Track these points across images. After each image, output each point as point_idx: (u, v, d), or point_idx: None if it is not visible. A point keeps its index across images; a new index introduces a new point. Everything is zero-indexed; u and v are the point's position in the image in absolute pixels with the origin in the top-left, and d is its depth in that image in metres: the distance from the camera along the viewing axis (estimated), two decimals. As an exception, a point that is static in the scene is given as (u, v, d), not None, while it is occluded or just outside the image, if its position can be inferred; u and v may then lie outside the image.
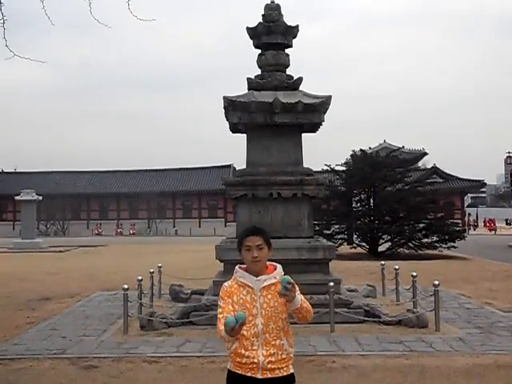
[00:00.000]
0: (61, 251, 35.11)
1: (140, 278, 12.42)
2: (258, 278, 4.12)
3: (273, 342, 4.05)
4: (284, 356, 4.08)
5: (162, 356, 8.81)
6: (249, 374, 4.04)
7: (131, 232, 69.47)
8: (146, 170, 77.45)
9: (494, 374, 7.72)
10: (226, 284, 4.23)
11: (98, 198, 74.40)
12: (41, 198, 40.55)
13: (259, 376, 4.02)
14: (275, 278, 4.13)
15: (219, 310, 4.15)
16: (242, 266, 4.24)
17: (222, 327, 3.93)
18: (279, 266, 4.25)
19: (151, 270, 14.09)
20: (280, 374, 4.05)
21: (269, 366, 4.02)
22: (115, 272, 20.78)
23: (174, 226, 73.39)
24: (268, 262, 4.26)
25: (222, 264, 12.12)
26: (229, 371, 4.18)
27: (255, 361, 4.01)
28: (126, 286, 10.75)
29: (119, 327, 10.86)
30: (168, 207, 75.68)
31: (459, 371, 7.85)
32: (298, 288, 4.03)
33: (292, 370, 4.14)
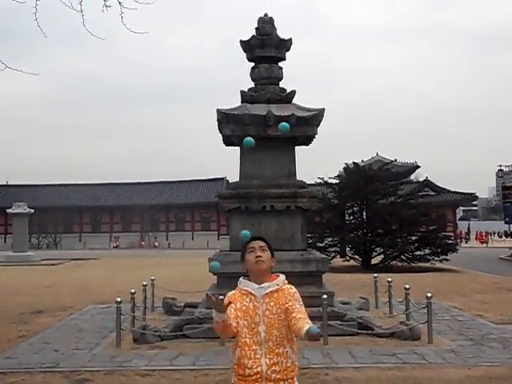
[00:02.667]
0: (53, 264, 34.98)
1: (133, 291, 12.38)
2: (261, 285, 4.14)
3: (276, 350, 4.04)
4: (289, 364, 4.07)
5: (155, 369, 8.79)
6: None
7: (114, 245, 69.37)
8: (139, 183, 77.41)
9: (486, 386, 7.74)
10: (228, 294, 4.23)
11: (90, 210, 74.20)
12: (33, 210, 40.40)
13: None
14: (277, 285, 4.16)
15: None
16: (246, 277, 4.27)
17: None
18: (282, 275, 4.29)
19: (144, 283, 14.06)
20: None
21: (273, 375, 3.99)
22: (108, 285, 20.72)
23: (167, 239, 73.26)
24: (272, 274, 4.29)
25: (216, 277, 12.12)
26: None
27: (259, 370, 3.98)
28: (118, 299, 10.72)
29: (112, 340, 10.82)
30: (161, 220, 75.56)
31: (451, 383, 7.87)
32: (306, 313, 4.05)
33: (297, 382, 4.12)
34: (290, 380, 4.06)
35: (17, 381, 8.30)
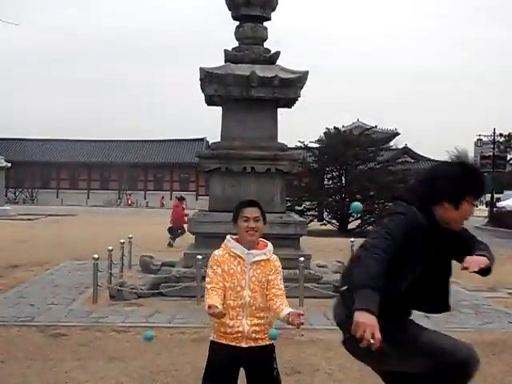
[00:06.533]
0: (30, 219, 34.78)
1: (110, 248, 12.36)
2: (250, 251, 4.17)
3: (258, 315, 4.16)
4: (267, 326, 4.21)
5: (131, 326, 8.82)
6: (233, 344, 4.13)
7: (129, 202, 68.98)
8: (118, 141, 76.69)
9: (457, 350, 7.89)
10: (216, 253, 4.25)
11: (68, 167, 73.51)
12: (10, 165, 39.94)
13: (243, 345, 4.12)
14: (265, 254, 4.22)
15: (207, 280, 4.18)
16: (234, 236, 4.26)
17: (209, 301, 3.99)
18: (270, 244, 4.32)
19: (122, 241, 14.05)
20: (262, 344, 4.18)
21: (253, 335, 4.13)
22: (85, 242, 20.64)
23: (145, 198, 73.07)
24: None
25: (194, 237, 12.14)
26: (212, 342, 4.27)
27: (240, 329, 4.11)
28: (95, 256, 10.70)
29: (88, 296, 10.82)
30: (139, 179, 75.23)
31: (424, 347, 8.01)
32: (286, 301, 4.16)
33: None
34: (267, 338, 4.21)
35: (-8, 334, 8.29)
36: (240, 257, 4.17)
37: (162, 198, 70.93)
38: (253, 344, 4.14)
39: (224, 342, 4.16)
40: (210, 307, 3.88)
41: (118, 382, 6.35)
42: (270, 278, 4.19)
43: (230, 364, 4.19)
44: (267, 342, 4.20)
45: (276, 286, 4.18)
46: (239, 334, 4.11)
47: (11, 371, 6.63)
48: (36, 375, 6.52)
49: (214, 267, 4.18)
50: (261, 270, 4.18)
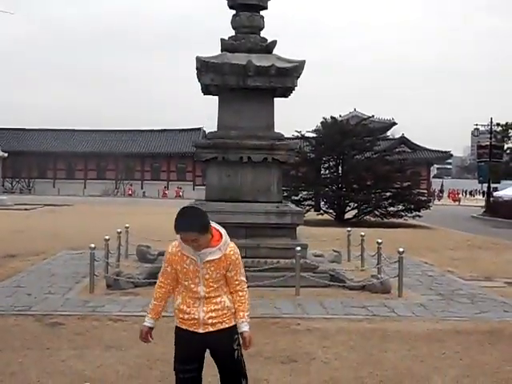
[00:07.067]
0: (26, 209, 34.70)
1: (107, 237, 12.37)
2: (202, 251, 4.12)
3: (214, 300, 4.23)
4: (225, 311, 4.27)
5: (127, 315, 8.82)
6: (191, 329, 4.24)
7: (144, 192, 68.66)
8: (115, 131, 76.45)
9: (453, 339, 7.93)
10: (169, 249, 4.28)
11: (64, 156, 73.22)
12: (6, 154, 39.83)
13: (201, 330, 4.22)
14: (220, 250, 4.14)
15: (160, 272, 4.38)
16: None
17: (155, 295, 4.38)
18: (224, 235, 4.20)
19: (118, 230, 14.05)
20: (222, 327, 4.25)
21: (209, 320, 4.21)
22: (81, 231, 20.66)
23: (142, 188, 72.96)
24: (214, 226, 4.18)
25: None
26: (176, 327, 4.39)
27: (196, 317, 4.21)
28: (92, 245, 10.69)
29: (85, 286, 10.83)
30: (136, 169, 75.05)
31: (420, 336, 8.05)
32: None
33: (234, 322, 4.31)
34: (227, 321, 4.28)
35: (-12, 323, 8.29)
36: (191, 257, 4.17)
37: (165, 187, 70.80)
38: (210, 329, 4.21)
39: (183, 327, 4.29)
40: (141, 331, 4.41)
41: (114, 370, 6.36)
42: (228, 274, 4.21)
43: (192, 347, 4.28)
44: (226, 325, 4.26)
45: (235, 282, 4.25)
46: (195, 321, 4.22)
47: (8, 360, 6.64)
48: (33, 364, 6.53)
49: (165, 265, 4.30)
50: (215, 268, 4.16)
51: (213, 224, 4.17)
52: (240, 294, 4.28)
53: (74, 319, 8.56)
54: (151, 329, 4.43)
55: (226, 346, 4.28)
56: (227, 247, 4.17)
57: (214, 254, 4.12)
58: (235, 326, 4.31)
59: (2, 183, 45.60)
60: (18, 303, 9.47)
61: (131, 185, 72.16)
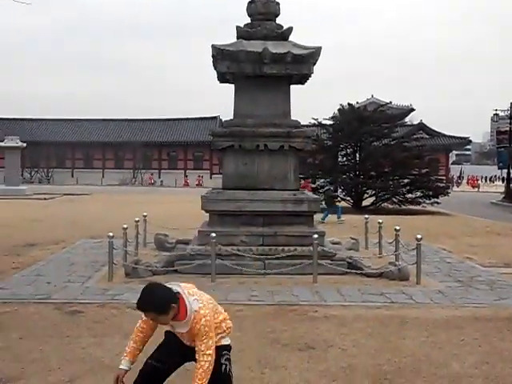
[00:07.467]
0: (45, 199, 34.98)
1: (125, 226, 12.45)
2: (172, 323, 4.23)
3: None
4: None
5: (146, 303, 8.87)
6: (179, 339, 4.41)
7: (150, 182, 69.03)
8: (132, 120, 76.63)
9: (471, 325, 7.89)
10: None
11: (82, 146, 73.65)
12: (25, 144, 40.13)
13: (187, 343, 4.34)
14: (186, 324, 4.15)
15: (142, 319, 4.38)
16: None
17: (134, 337, 4.40)
18: (189, 310, 4.13)
19: (136, 219, 14.12)
20: None
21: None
22: (100, 220, 20.81)
23: (160, 177, 73.18)
24: (183, 299, 4.14)
25: (208, 214, 12.17)
26: (166, 331, 4.56)
27: (181, 331, 4.29)
28: (111, 234, 10.77)
29: (104, 274, 10.92)
30: (153, 158, 75.27)
31: (438, 322, 8.02)
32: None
33: (221, 343, 4.37)
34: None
35: (10, 311, 8.40)
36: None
37: (186, 176, 70.86)
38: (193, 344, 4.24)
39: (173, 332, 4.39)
40: (116, 376, 4.36)
41: (133, 357, 6.41)
42: (194, 342, 4.19)
43: (174, 349, 4.36)
44: (217, 344, 4.25)
45: (198, 351, 4.11)
46: (182, 334, 4.29)
47: (29, 347, 6.74)
48: (53, 351, 6.61)
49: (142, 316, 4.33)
50: (186, 335, 4.25)
51: (183, 295, 4.14)
52: (199, 365, 4.11)
53: (93, 307, 8.64)
54: (127, 372, 4.36)
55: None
56: (193, 318, 4.12)
57: (182, 328, 4.21)
58: (223, 345, 4.37)
59: (21, 173, 45.98)
60: (37, 292, 9.58)
61: (152, 174, 72.37)
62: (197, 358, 4.13)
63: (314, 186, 30.22)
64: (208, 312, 4.14)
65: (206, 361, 4.08)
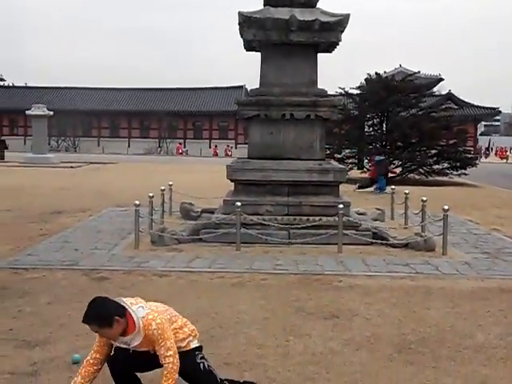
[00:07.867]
0: (72, 167, 35.31)
1: (151, 195, 12.53)
2: (124, 339, 4.20)
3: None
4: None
5: (172, 270, 8.98)
6: None
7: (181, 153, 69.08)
8: (158, 89, 76.56)
9: (497, 297, 7.84)
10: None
11: (108, 115, 73.97)
12: (52, 113, 40.39)
13: None
14: (139, 334, 4.15)
15: (93, 348, 4.37)
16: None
17: (82, 372, 4.29)
18: (137, 319, 4.16)
19: (162, 188, 14.19)
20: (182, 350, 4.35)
21: None
22: (126, 189, 20.96)
23: (185, 147, 73.34)
24: (129, 313, 4.17)
25: (233, 184, 12.18)
26: None
27: None
28: (137, 202, 10.85)
29: (130, 242, 11.04)
30: (179, 127, 75.39)
31: (463, 293, 7.98)
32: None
33: (191, 346, 4.45)
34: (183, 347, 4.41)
35: (38, 277, 8.54)
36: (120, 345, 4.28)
37: (216, 146, 70.76)
38: None
39: None
40: None
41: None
42: (154, 349, 4.19)
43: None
44: (184, 350, 4.32)
45: (160, 356, 4.15)
46: (140, 346, 4.23)
47: (57, 312, 6.86)
48: (81, 316, 6.67)
49: (98, 340, 4.32)
50: (146, 346, 4.21)
51: (127, 308, 4.17)
52: (164, 369, 4.16)
53: (119, 274, 8.75)
54: None
55: (188, 364, 4.30)
56: (145, 327, 4.13)
57: (136, 340, 4.18)
58: (193, 348, 4.41)
59: (48, 142, 46.35)
60: (65, 258, 9.73)
61: (180, 143, 72.37)
62: (161, 362, 4.18)
63: (339, 156, 30.02)
64: (157, 315, 4.19)
65: (169, 362, 4.15)
